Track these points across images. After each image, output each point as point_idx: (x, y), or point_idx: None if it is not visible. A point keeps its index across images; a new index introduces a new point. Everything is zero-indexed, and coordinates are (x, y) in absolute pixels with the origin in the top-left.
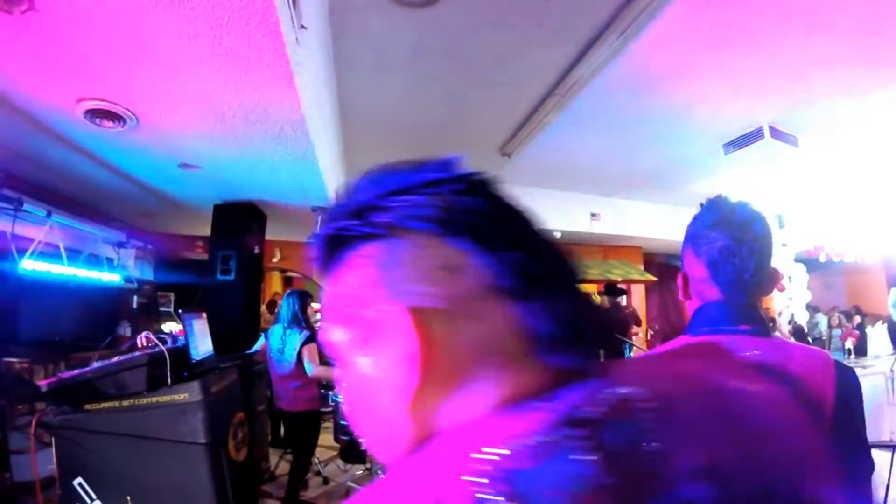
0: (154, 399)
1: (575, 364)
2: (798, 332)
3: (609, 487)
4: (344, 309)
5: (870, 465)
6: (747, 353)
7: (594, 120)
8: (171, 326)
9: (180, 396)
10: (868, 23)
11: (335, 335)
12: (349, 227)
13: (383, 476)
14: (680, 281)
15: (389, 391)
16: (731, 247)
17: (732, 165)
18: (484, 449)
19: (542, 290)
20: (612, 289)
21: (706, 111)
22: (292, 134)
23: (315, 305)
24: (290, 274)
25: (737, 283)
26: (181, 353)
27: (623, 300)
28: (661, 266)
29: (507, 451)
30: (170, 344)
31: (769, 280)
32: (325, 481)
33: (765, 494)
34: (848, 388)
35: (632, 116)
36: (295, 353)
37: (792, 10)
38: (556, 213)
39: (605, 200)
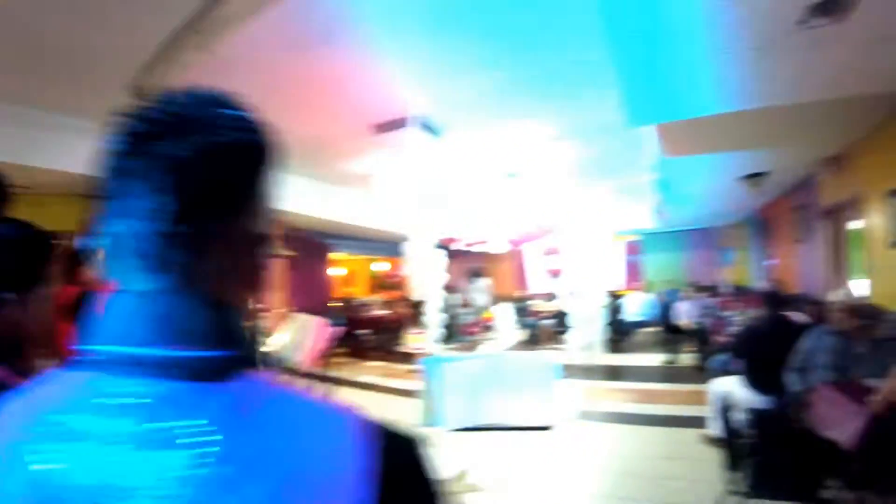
0: None
1: None
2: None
3: None
4: None
5: None
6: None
7: (241, 72)
8: None
9: None
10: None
11: None
12: None
13: None
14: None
15: None
16: (122, 168)
17: (381, 149)
18: None
19: None
20: None
21: (360, 89)
22: None
23: None
24: None
25: (137, 243)
26: None
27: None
28: (306, 242)
29: None
30: None
31: (234, 244)
32: None
33: None
34: (399, 476)
35: (284, 77)
36: None
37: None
38: None
39: None
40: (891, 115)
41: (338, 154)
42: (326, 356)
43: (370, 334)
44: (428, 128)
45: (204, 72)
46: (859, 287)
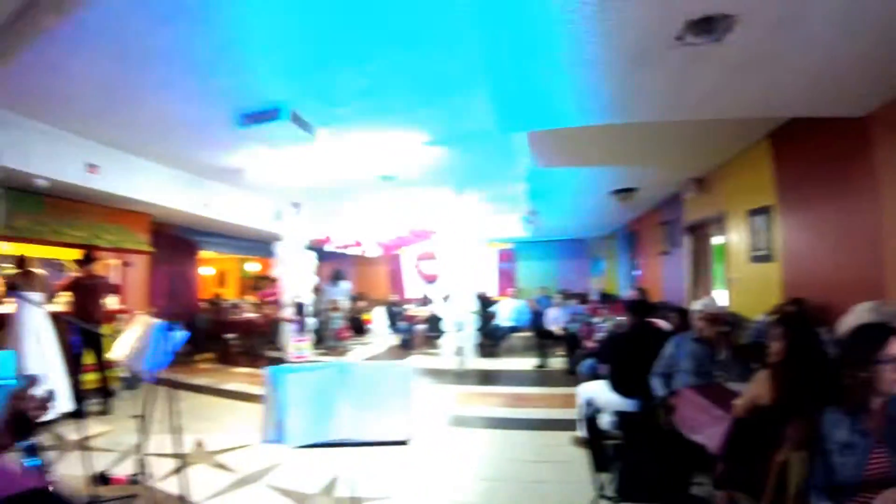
0: None
1: None
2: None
3: None
4: None
5: None
6: None
7: (100, 40)
8: None
9: None
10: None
11: None
12: None
13: None
14: None
15: None
16: None
17: (252, 141)
18: None
19: None
20: (86, 257)
21: (229, 73)
22: None
23: None
24: None
25: None
26: None
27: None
28: (174, 238)
29: None
30: None
31: None
32: None
33: None
34: None
35: (147, 51)
36: None
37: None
38: (45, 156)
39: (108, 151)
40: (753, 142)
41: (207, 143)
42: (180, 363)
43: (240, 338)
44: (300, 122)
45: (59, 37)
46: (720, 297)
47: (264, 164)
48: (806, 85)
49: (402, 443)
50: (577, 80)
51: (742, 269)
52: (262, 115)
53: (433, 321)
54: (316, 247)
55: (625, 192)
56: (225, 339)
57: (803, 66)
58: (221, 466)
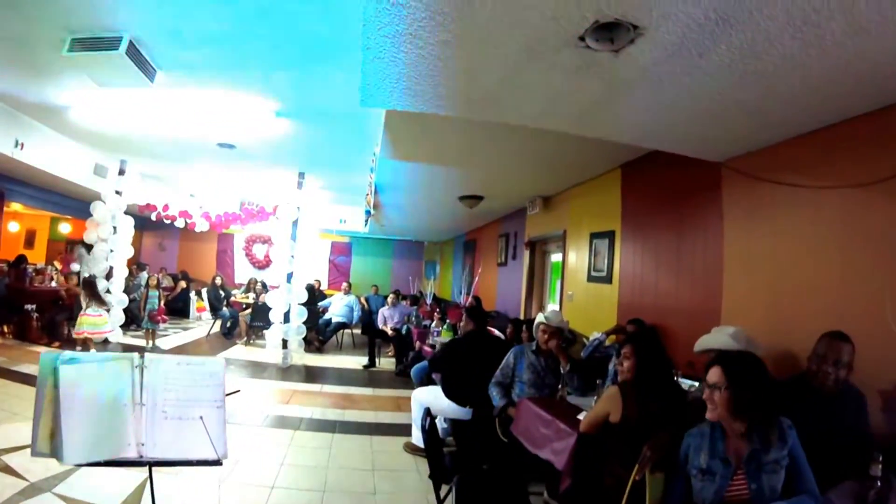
0: None
1: None
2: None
3: None
4: None
5: None
6: None
7: None
8: None
9: None
10: None
11: None
12: None
13: None
14: None
15: None
16: None
17: (81, 73)
18: None
19: None
20: None
21: None
22: None
23: None
24: None
25: None
26: None
27: None
28: None
29: None
30: None
31: None
32: None
33: None
34: None
35: None
36: None
37: None
38: None
39: None
40: (605, 170)
41: (27, 68)
42: None
43: (43, 311)
44: (139, 59)
45: None
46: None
47: (92, 106)
48: (681, 121)
49: (216, 463)
50: (462, 61)
51: (579, 287)
52: (95, 43)
53: (260, 310)
54: (138, 214)
55: (472, 199)
56: (27, 310)
57: (685, 102)
58: (7, 470)
